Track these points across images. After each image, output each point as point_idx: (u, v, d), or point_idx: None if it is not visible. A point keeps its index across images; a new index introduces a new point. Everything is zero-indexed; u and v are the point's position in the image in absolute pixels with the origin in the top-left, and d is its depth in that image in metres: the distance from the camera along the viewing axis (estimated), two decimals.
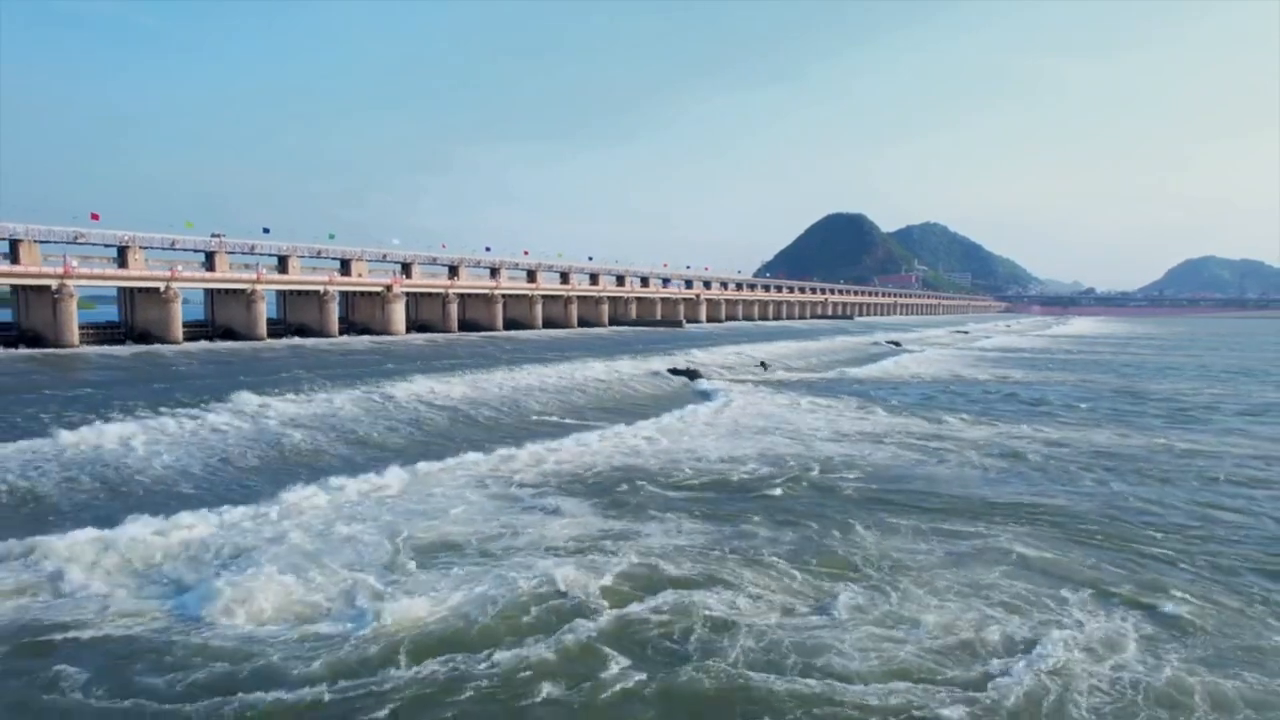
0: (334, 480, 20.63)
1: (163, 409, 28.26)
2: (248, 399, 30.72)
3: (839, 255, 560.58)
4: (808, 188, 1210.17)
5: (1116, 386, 51.71)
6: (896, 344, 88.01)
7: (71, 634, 11.39)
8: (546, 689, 10.47)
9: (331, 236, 75.49)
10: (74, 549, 14.08)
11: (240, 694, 9.94)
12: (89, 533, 14.71)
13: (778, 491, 21.87)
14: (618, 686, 10.63)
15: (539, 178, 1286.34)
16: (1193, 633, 12.83)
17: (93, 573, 13.44)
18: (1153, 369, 66.85)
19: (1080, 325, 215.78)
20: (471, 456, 24.32)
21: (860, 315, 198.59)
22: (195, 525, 15.78)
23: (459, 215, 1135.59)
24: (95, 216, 57.98)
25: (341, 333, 71.07)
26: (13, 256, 52.77)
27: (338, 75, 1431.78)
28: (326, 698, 9.89)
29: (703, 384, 45.61)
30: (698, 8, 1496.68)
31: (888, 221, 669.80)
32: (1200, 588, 14.87)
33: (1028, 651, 11.87)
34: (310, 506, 18.13)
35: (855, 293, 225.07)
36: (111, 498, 18.92)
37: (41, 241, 54.05)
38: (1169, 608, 13.73)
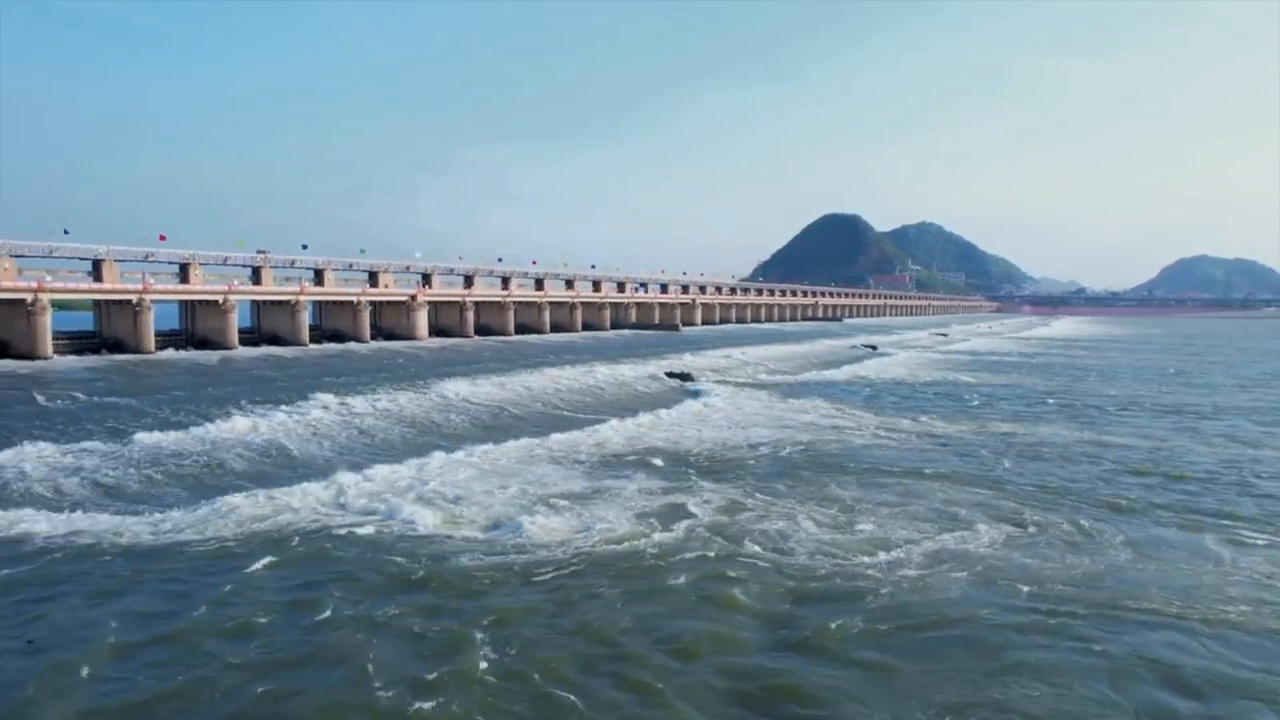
0: (422, 457, 28.78)
1: (271, 406, 36.37)
2: (329, 399, 38.78)
3: (835, 255, 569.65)
4: (807, 188, 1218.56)
5: (1052, 388, 59.69)
6: (873, 347, 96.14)
7: (325, 532, 19.60)
8: (648, 553, 18.86)
9: (362, 251, 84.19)
10: (296, 491, 22.42)
11: (443, 561, 18.08)
12: (287, 487, 23.19)
13: (763, 462, 30.10)
14: (677, 554, 18.87)
15: (539, 178, 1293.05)
16: (1033, 537, 20.91)
17: (315, 504, 21.64)
18: (1100, 372, 74.72)
19: (1062, 327, 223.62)
20: (524, 441, 32.40)
21: (850, 317, 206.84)
22: (367, 480, 24.10)
23: (459, 215, 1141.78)
24: (163, 238, 66.23)
25: (371, 338, 79.20)
26: (96, 275, 60.91)
27: (338, 75, 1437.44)
28: (501, 564, 17.94)
29: (695, 385, 53.69)
30: (698, 8, 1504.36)
31: (886, 221, 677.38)
32: (1043, 517, 22.88)
33: (919, 543, 20.06)
34: (436, 470, 26.43)
35: (845, 295, 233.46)
36: (281, 466, 27.12)
37: (119, 260, 62.20)
38: (1017, 526, 21.86)
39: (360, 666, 13.07)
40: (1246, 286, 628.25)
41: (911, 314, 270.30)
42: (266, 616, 14.96)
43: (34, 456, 25.58)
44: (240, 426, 32.16)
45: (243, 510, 20.81)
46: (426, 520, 20.60)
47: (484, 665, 13.24)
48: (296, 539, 19.24)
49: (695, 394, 49.74)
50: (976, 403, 50.23)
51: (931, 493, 25.60)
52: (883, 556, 19.14)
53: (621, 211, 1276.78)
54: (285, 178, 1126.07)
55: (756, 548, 19.52)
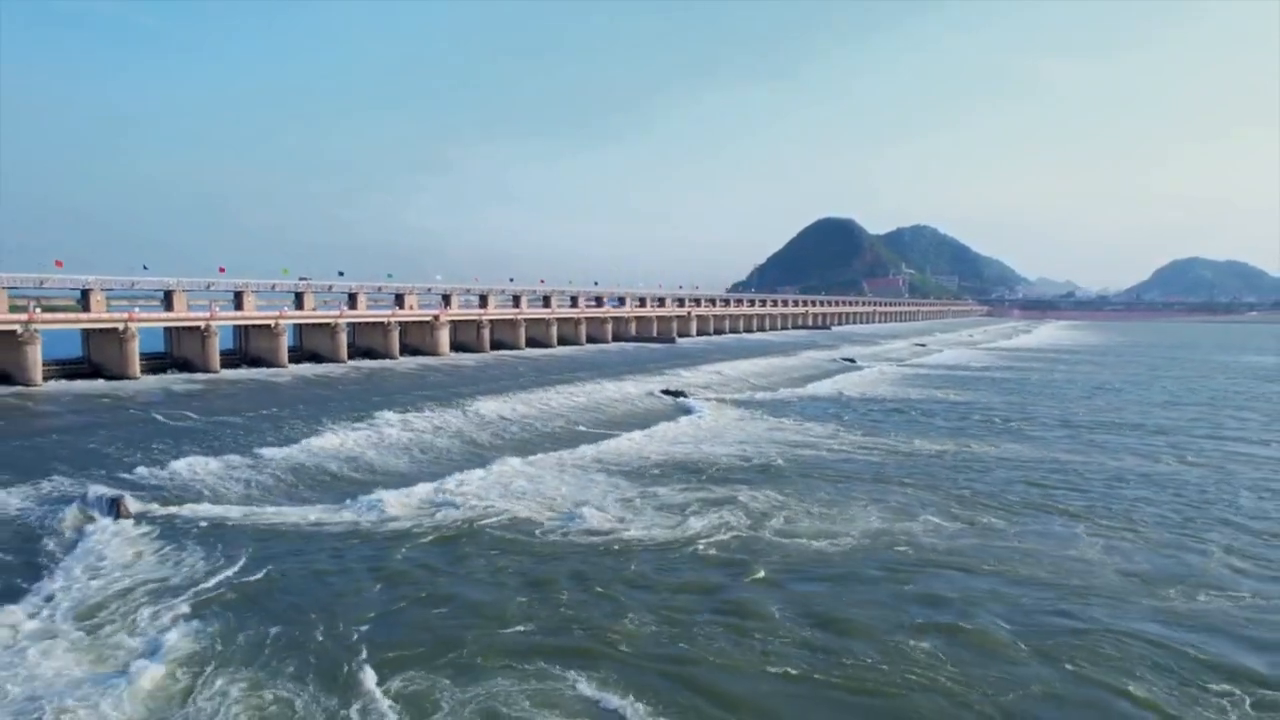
0: (485, 466, 37.97)
1: (348, 423, 45.50)
2: (393, 417, 47.94)
3: (829, 258, 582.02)
4: (804, 188, 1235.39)
5: (1001, 404, 68.88)
6: (851, 360, 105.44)
7: (451, 518, 28.89)
8: (671, 532, 28.18)
9: (389, 276, 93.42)
10: (414, 492, 31.74)
11: (539, 536, 27.39)
12: (402, 489, 32.41)
13: (745, 469, 39.31)
14: (712, 535, 27.96)
15: (539, 177, 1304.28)
16: (937, 526, 30.06)
17: (431, 500, 30.96)
18: (1053, 387, 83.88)
19: (1043, 333, 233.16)
20: (558, 453, 41.41)
21: (839, 325, 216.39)
22: (456, 483, 33.33)
23: (458, 215, 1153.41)
24: (222, 270, 75.35)
25: (399, 354, 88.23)
26: (167, 304, 70.03)
27: (337, 75, 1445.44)
28: (577, 540, 27.20)
29: (688, 402, 62.85)
30: (697, 7, 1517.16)
31: (882, 223, 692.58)
32: (953, 511, 32.13)
33: (890, 528, 29.34)
34: (502, 475, 35.72)
35: (834, 303, 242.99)
36: (382, 474, 36.29)
37: (186, 290, 71.34)
38: (928, 518, 31.03)
39: (508, 594, 22.65)
40: (1237, 288, 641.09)
41: (901, 320, 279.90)
42: (452, 565, 24.88)
43: (203, 467, 34.70)
44: (333, 442, 41.27)
45: (384, 507, 30.07)
46: (516, 510, 30.17)
47: (567, 594, 22.84)
48: (436, 523, 28.87)
49: (689, 411, 58.90)
50: (932, 419, 59.16)
51: (877, 494, 34.83)
52: (828, 538, 28.48)
53: (621, 211, 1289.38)
54: (284, 178, 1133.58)
55: (742, 526, 29.15)
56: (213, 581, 22.34)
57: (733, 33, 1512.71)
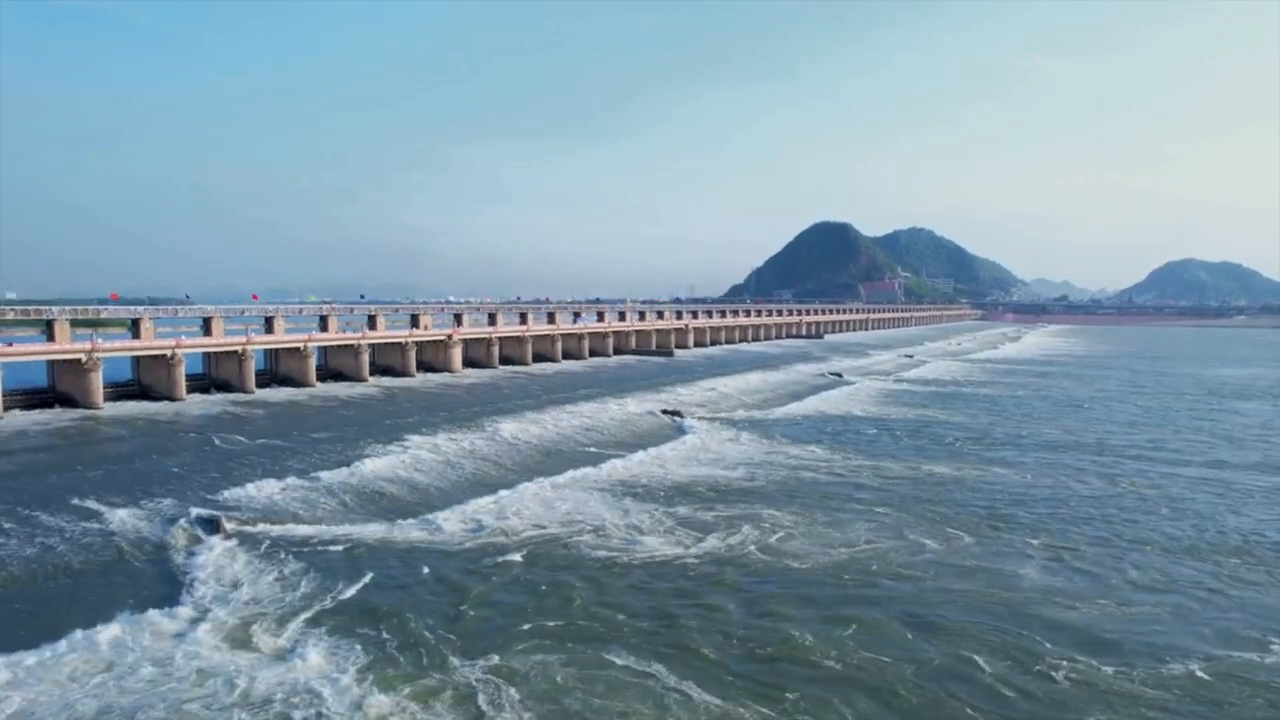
0: (515, 487, 44.17)
1: (384, 446, 51.66)
2: (423, 440, 54.16)
3: (826, 262, 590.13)
4: (803, 190, 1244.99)
5: (973, 424, 75.06)
6: (839, 375, 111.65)
7: (506, 531, 35.13)
8: (708, 546, 34.25)
9: (409, 299, 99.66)
10: (464, 510, 37.88)
11: (563, 549, 33.69)
12: (448, 510, 38.63)
13: (752, 491, 45.20)
14: (719, 549, 34.11)
15: (534, 175, 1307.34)
16: (938, 542, 36.21)
17: (456, 521, 37.13)
18: (1025, 404, 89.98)
19: (1029, 342, 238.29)
20: (576, 473, 47.53)
21: (832, 333, 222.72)
22: (498, 501, 39.65)
23: (455, 213, 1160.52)
24: (255, 297, 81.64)
25: (416, 370, 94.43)
26: (205, 329, 76.27)
27: (333, 73, 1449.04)
28: (601, 553, 33.42)
29: (685, 422, 69.03)
30: (698, 5, 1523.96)
31: (880, 224, 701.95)
32: (907, 527, 38.35)
33: (875, 542, 35.54)
34: (534, 495, 41.96)
35: (828, 311, 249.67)
36: (428, 495, 42.42)
37: (225, 317, 77.63)
38: (922, 538, 37.36)
39: (562, 596, 28.83)
40: (1231, 290, 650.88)
41: (894, 327, 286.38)
42: (508, 574, 31.11)
43: (272, 490, 40.81)
44: (378, 465, 47.30)
45: (438, 525, 36.33)
46: (551, 527, 36.56)
47: (611, 597, 29.08)
48: (485, 540, 34.96)
49: (686, 431, 65.08)
50: (912, 440, 64.45)
51: (860, 514, 40.66)
52: (821, 554, 34.53)
53: (619, 210, 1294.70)
54: (280, 175, 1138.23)
55: (749, 541, 35.40)
56: (323, 590, 28.45)
57: (732, 31, 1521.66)
